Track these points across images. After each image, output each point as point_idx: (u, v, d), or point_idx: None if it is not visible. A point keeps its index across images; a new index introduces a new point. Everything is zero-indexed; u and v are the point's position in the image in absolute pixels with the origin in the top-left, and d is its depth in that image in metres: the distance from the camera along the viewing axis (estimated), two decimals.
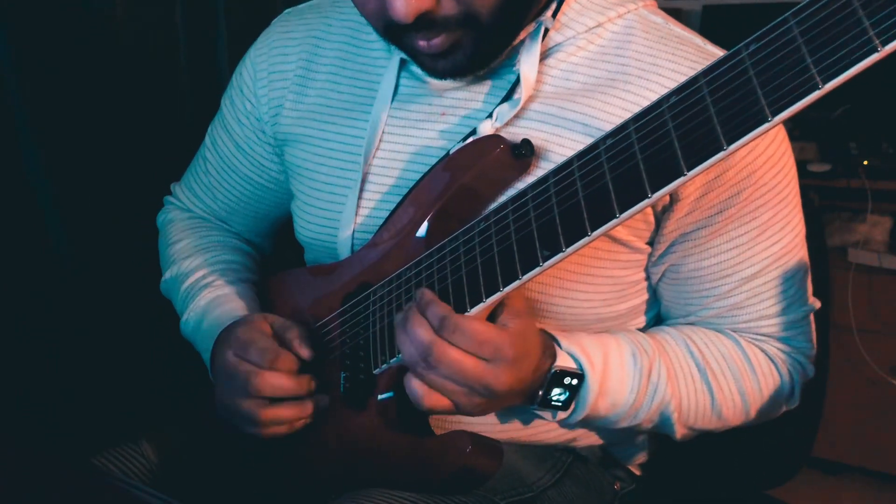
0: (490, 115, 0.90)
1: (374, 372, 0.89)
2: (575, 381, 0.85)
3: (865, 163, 2.16)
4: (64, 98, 1.37)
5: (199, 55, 1.59)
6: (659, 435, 1.10)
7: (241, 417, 0.91)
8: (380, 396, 0.88)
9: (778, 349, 0.95)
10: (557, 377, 0.84)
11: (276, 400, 0.89)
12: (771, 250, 0.90)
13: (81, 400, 1.41)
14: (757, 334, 0.95)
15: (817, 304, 0.97)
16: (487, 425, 0.96)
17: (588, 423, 0.90)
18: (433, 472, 0.86)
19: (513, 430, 0.98)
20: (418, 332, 0.77)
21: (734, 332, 0.95)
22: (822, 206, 2.23)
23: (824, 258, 1.19)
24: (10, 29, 1.28)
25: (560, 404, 0.86)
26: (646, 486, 1.11)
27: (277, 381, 0.88)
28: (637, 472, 1.11)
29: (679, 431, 0.93)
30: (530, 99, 0.90)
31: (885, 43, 0.56)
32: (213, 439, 1.03)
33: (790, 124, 2.33)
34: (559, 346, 0.86)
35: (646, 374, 0.89)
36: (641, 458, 1.11)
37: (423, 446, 0.87)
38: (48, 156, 1.35)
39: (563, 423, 0.92)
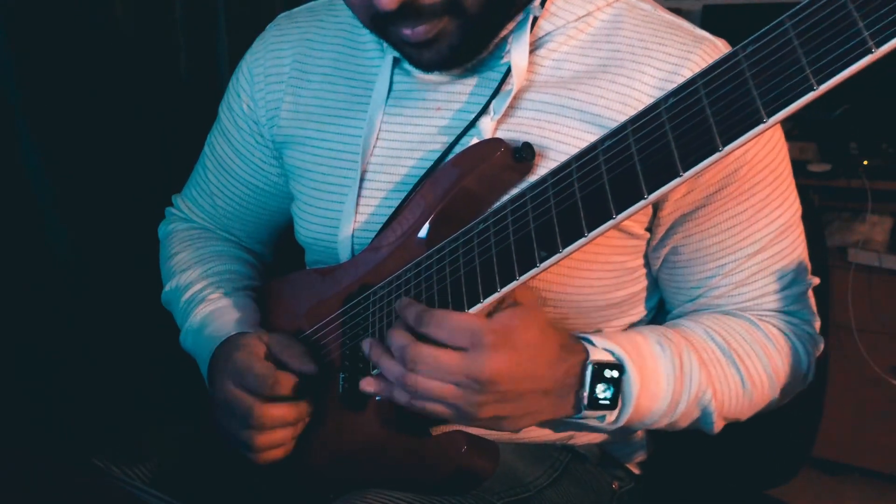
0: (486, 109, 0.90)
1: (373, 373, 0.89)
2: (615, 374, 0.82)
3: (865, 163, 2.15)
4: (63, 98, 1.38)
5: (199, 55, 1.59)
6: (658, 433, 1.10)
7: (239, 445, 0.93)
8: (378, 396, 0.89)
9: (787, 322, 0.95)
10: (597, 372, 0.81)
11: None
12: (772, 226, 0.91)
13: (81, 400, 1.41)
14: (764, 310, 0.94)
15: (816, 281, 0.97)
16: None
17: (629, 427, 0.87)
18: (429, 472, 0.86)
19: None
20: (395, 337, 0.80)
21: (742, 311, 0.94)
22: (822, 206, 2.23)
23: (824, 258, 1.19)
24: (9, 29, 1.28)
25: (608, 402, 0.82)
26: (645, 485, 1.11)
27: (279, 412, 0.90)
28: (636, 472, 1.10)
29: (717, 424, 0.91)
30: (525, 89, 0.90)
31: (879, 44, 0.56)
32: (213, 439, 1.03)
33: (789, 124, 2.33)
34: (592, 344, 0.84)
35: (678, 363, 0.87)
36: (640, 456, 1.10)
37: (419, 447, 0.88)
38: (48, 157, 1.35)
39: (607, 429, 0.88)
